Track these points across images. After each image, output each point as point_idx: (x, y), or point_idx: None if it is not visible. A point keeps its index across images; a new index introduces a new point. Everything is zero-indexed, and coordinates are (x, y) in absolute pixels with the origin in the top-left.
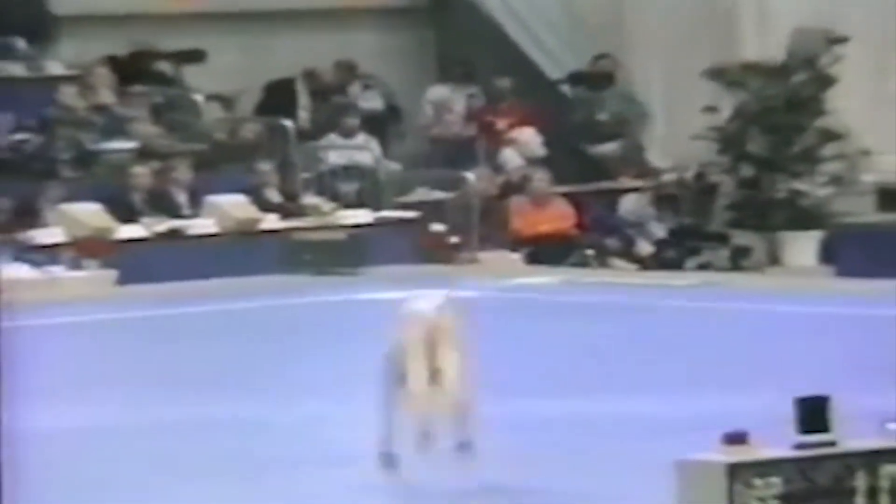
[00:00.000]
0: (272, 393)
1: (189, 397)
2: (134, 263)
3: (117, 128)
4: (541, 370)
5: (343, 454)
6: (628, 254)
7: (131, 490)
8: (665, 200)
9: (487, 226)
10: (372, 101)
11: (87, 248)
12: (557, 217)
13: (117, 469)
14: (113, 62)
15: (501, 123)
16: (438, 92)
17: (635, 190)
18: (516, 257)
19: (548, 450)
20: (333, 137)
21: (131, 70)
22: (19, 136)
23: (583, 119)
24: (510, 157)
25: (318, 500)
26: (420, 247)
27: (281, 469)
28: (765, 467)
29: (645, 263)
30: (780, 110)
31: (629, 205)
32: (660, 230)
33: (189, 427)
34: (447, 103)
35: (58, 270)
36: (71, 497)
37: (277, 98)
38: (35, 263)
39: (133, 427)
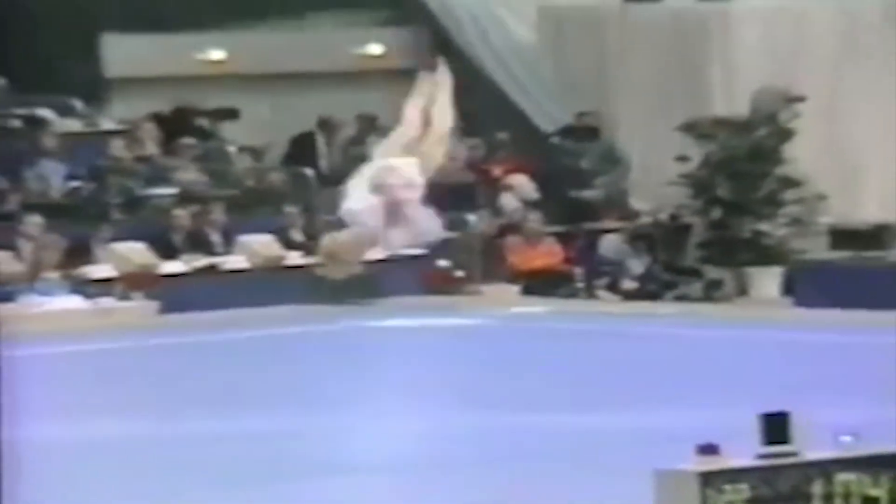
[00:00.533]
0: (301, 407)
1: (225, 412)
2: (175, 295)
3: (160, 176)
4: (535, 388)
5: (367, 461)
6: (613, 287)
7: (164, 497)
8: (641, 239)
9: (487, 261)
10: None
11: (134, 282)
12: (548, 254)
13: (153, 477)
14: (158, 118)
15: (497, 171)
16: None
17: (615, 230)
18: (514, 289)
19: (537, 459)
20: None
21: (174, 125)
22: (74, 184)
23: (570, 167)
24: (508, 201)
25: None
26: (428, 280)
27: (310, 475)
28: (733, 475)
29: (628, 295)
30: (745, 159)
31: (607, 244)
32: (637, 266)
33: (226, 438)
34: (452, 153)
35: (108, 301)
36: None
37: (301, 149)
38: (88, 295)
39: (171, 438)
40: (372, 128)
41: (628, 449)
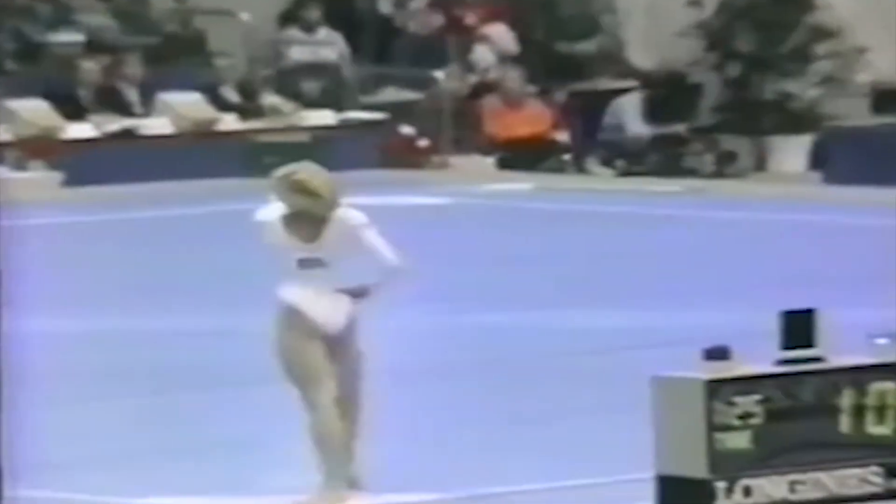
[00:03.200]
0: (230, 303)
1: (140, 307)
2: (82, 165)
3: (64, 18)
4: (509, 281)
5: None
6: (607, 160)
7: (76, 400)
8: (646, 102)
9: (459, 128)
10: None
11: (33, 148)
12: (533, 119)
13: (62, 378)
14: None
15: (471, 18)
16: None
17: (615, 92)
18: (489, 162)
19: (513, 365)
20: (294, 32)
21: None
22: None
23: (556, 14)
24: (482, 55)
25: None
26: (388, 151)
27: (240, 382)
28: (746, 384)
29: (625, 170)
30: (769, 5)
31: (610, 107)
32: (641, 134)
33: (136, 338)
34: None
35: (0, 171)
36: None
37: None
38: None
39: (74, 336)
40: None
41: (622, 353)
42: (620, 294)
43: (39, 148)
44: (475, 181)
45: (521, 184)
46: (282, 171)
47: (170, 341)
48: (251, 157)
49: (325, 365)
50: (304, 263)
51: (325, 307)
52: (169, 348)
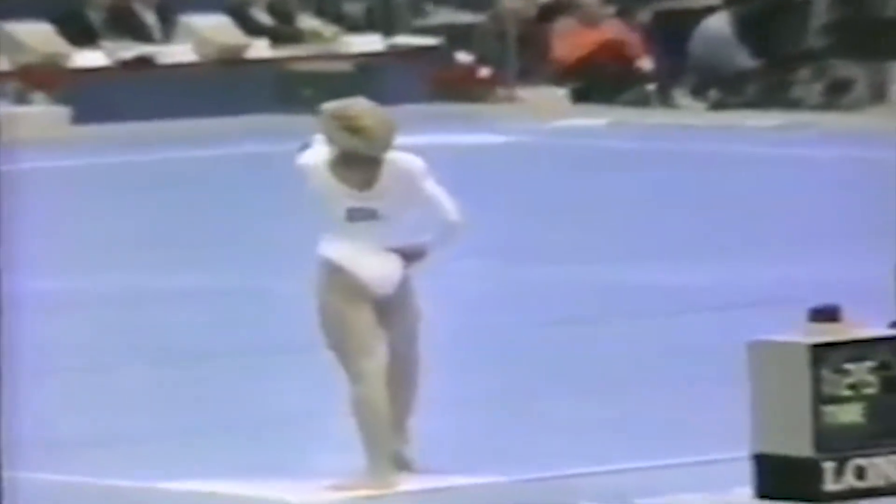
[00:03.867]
0: (262, 260)
1: (157, 264)
2: (92, 99)
3: None
4: (580, 232)
5: None
6: (698, 90)
7: (83, 370)
8: (745, 22)
9: (525, 56)
10: None
11: (37, 78)
12: (611, 43)
13: (67, 345)
14: None
15: None
16: None
17: (708, 10)
18: (560, 94)
19: (586, 325)
20: None
21: None
22: None
23: None
24: None
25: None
26: (442, 82)
27: (273, 350)
28: (858, 349)
29: (719, 102)
30: None
31: (701, 29)
32: (738, 59)
33: (153, 299)
34: None
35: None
36: None
37: None
38: None
39: (81, 297)
40: None
41: (709, 314)
42: (709, 246)
43: (43, 78)
44: (544, 116)
45: (597, 119)
46: (330, 105)
47: (191, 303)
48: (286, 90)
49: (373, 332)
50: (354, 214)
51: (375, 266)
52: (190, 311)
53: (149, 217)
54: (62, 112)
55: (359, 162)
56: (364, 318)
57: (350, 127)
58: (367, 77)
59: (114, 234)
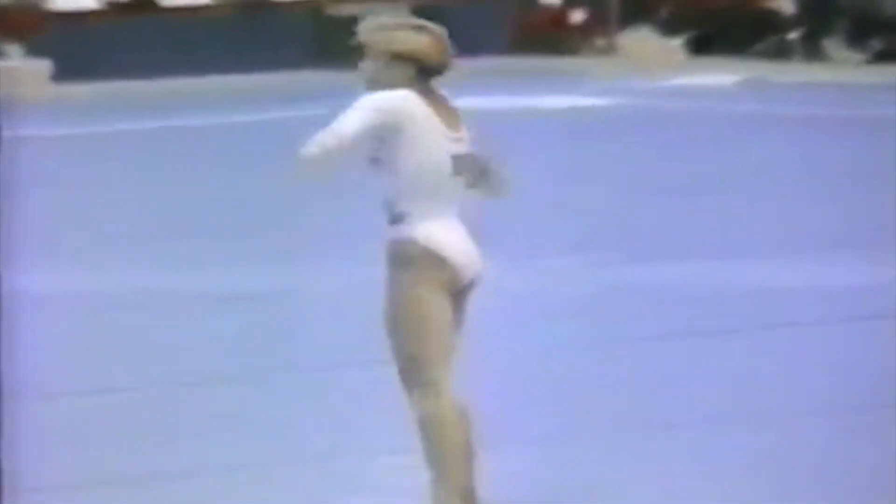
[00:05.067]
0: (291, 255)
1: (162, 260)
2: (78, 50)
3: None
4: (702, 220)
5: None
6: (855, 39)
7: (74, 393)
8: None
9: None
10: None
11: (8, 24)
12: None
13: (59, 360)
14: None
15: None
16: None
17: None
18: (675, 45)
19: (724, 320)
20: None
21: None
22: None
23: None
24: None
25: None
26: (525, 29)
27: (309, 366)
28: None
29: (881, 52)
30: None
31: None
32: None
33: (157, 303)
34: None
35: None
36: None
37: None
38: None
39: (72, 299)
40: None
41: (886, 322)
42: (876, 237)
43: (18, 23)
44: (654, 72)
45: (722, 75)
46: (370, 21)
47: (207, 307)
48: (325, 40)
49: (454, 333)
50: (459, 164)
51: (464, 245)
52: (204, 317)
53: (151, 200)
54: (41, 66)
55: (433, 89)
56: (449, 315)
57: (418, 26)
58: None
59: (109, 228)
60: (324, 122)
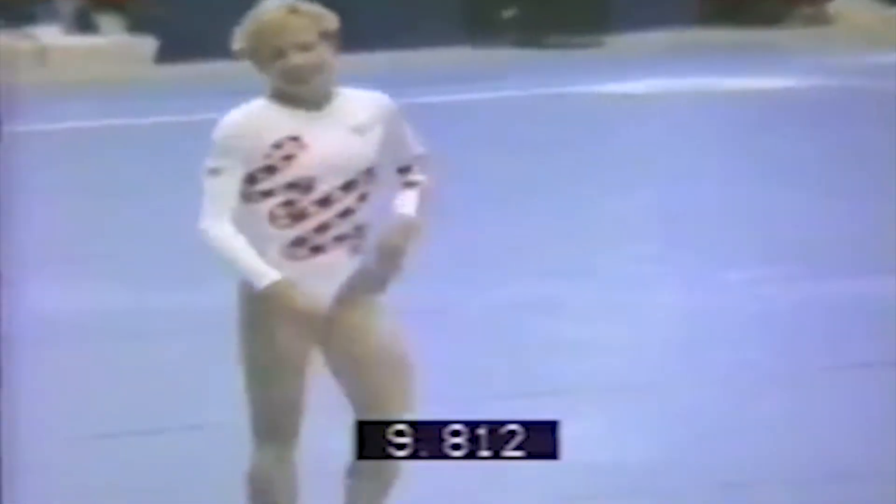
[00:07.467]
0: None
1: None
2: (187, 22)
3: None
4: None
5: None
6: None
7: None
8: None
9: None
10: None
11: None
12: None
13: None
14: None
15: None
16: None
17: None
18: None
19: None
20: None
21: None
22: None
23: None
24: None
25: None
26: None
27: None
28: None
29: None
30: None
31: None
32: None
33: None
34: None
35: (49, 34)
36: None
37: None
38: (9, 22)
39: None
40: None
41: None
42: None
43: None
44: (876, 46)
45: None
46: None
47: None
48: (476, 11)
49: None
50: None
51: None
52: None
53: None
54: (142, 44)
55: None
56: None
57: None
58: None
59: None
60: (476, 106)
